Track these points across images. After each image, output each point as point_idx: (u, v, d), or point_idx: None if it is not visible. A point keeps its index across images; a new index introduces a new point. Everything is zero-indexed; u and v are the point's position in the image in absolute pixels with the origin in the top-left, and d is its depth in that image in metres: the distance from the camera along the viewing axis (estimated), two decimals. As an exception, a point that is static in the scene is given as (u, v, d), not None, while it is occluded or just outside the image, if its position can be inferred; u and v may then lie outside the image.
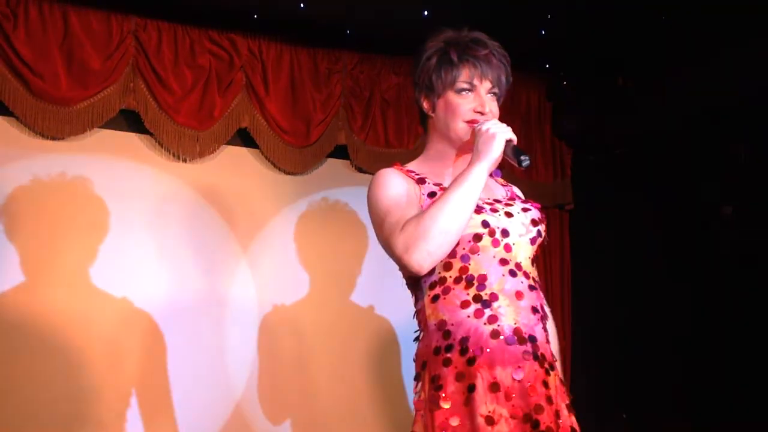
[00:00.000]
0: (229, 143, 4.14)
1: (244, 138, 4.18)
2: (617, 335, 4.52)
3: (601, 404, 4.55)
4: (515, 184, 4.54)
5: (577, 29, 4.13)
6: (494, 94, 2.08)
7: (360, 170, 4.38)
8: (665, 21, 3.92)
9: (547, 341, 1.99)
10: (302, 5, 3.87)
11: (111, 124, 3.89)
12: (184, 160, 4.01)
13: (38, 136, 3.74)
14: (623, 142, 4.61)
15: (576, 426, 1.96)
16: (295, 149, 4.21)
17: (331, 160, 4.39)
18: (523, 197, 2.18)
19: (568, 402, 1.97)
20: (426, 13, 3.94)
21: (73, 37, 3.75)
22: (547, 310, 2.08)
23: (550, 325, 2.10)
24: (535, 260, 2.05)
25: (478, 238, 1.95)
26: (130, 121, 3.95)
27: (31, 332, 3.62)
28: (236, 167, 4.19)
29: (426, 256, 1.90)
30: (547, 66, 4.72)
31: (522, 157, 1.94)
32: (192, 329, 3.98)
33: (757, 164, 3.94)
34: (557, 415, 1.91)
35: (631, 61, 4.41)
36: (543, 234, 2.06)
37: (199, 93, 4.01)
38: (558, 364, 2.03)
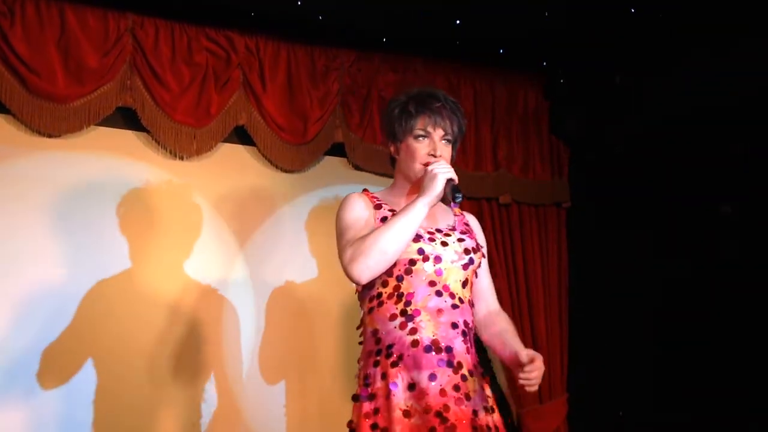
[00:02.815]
0: (226, 141, 4.13)
1: (241, 135, 4.18)
2: (614, 333, 4.52)
3: (598, 401, 4.56)
4: (514, 184, 4.63)
5: (575, 27, 4.13)
6: (447, 140, 2.48)
7: (357, 168, 4.38)
8: (663, 19, 3.92)
9: (467, 352, 2.38)
10: (299, 2, 3.86)
11: (108, 122, 3.87)
12: (181, 158, 4.00)
13: (35, 134, 3.72)
14: (621, 140, 4.60)
15: (495, 424, 2.37)
16: (292, 147, 4.21)
17: (328, 158, 4.39)
18: (472, 226, 2.61)
19: (485, 404, 2.38)
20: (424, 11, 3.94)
21: (69, 34, 3.73)
22: (497, 306, 2.62)
23: (502, 318, 2.57)
24: (467, 283, 2.44)
25: (412, 262, 2.37)
26: (127, 119, 3.93)
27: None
28: (233, 165, 4.18)
29: (365, 268, 2.30)
30: (545, 64, 4.72)
31: (456, 195, 2.32)
32: (189, 326, 3.98)
33: (757, 163, 3.93)
34: (475, 413, 2.32)
35: (629, 59, 4.41)
36: (476, 261, 2.46)
37: (196, 90, 4.00)
38: (519, 343, 2.45)
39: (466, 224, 2.60)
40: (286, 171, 4.25)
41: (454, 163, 4.33)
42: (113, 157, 3.93)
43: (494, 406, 2.43)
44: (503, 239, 4.65)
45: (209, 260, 4.07)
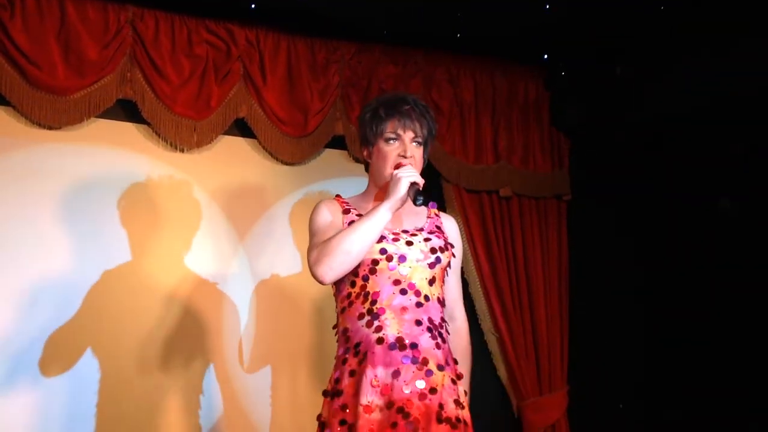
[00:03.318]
0: (226, 133, 4.12)
1: (242, 128, 4.17)
2: (615, 326, 4.52)
3: (598, 393, 4.56)
4: (514, 176, 4.62)
5: (576, 19, 4.12)
6: (418, 142, 2.54)
7: (357, 161, 4.37)
8: (665, 10, 3.91)
9: (437, 347, 2.43)
10: (299, -6, 3.86)
11: (108, 114, 3.87)
12: (182, 150, 4.00)
13: (35, 126, 3.72)
14: (622, 132, 4.60)
15: (463, 417, 2.41)
16: (293, 139, 4.20)
17: (328, 151, 4.39)
18: (446, 229, 2.65)
19: (456, 398, 2.42)
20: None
21: (69, 26, 3.72)
22: (457, 317, 2.68)
23: (460, 343, 2.65)
24: (435, 281, 2.50)
25: (375, 262, 2.44)
26: (128, 111, 3.93)
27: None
28: (233, 157, 4.18)
29: (328, 270, 2.37)
30: (546, 56, 4.71)
31: (417, 197, 2.39)
32: (188, 317, 3.98)
33: (756, 156, 3.93)
34: (441, 406, 2.36)
35: (631, 51, 4.40)
36: (443, 260, 2.52)
37: (197, 83, 4.00)
38: (464, 363, 2.62)
39: (438, 227, 2.64)
40: (286, 164, 4.24)
41: (453, 157, 4.38)
42: (114, 150, 3.93)
43: (464, 403, 2.47)
44: (503, 232, 4.65)
45: (209, 252, 4.07)
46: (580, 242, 4.81)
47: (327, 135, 4.30)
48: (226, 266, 4.11)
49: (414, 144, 2.53)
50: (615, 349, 4.50)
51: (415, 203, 2.41)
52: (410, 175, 2.42)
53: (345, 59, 4.36)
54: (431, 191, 2.97)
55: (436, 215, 2.69)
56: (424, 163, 2.59)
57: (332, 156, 4.41)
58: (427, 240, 2.53)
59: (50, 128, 3.74)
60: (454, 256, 2.62)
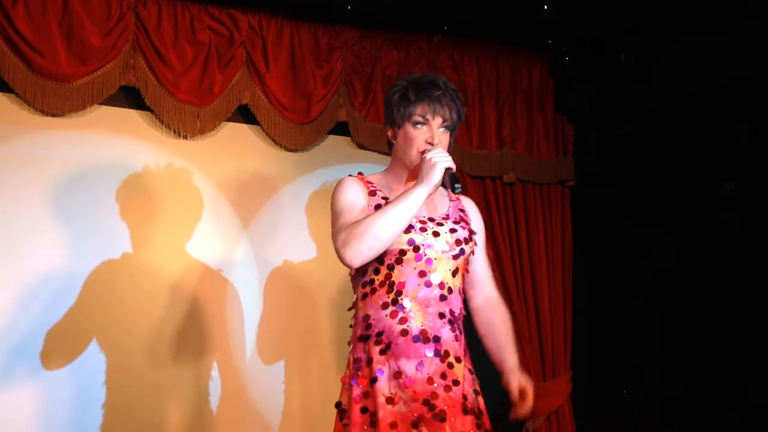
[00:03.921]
0: (229, 120, 4.12)
1: (245, 114, 4.17)
2: (618, 312, 4.53)
3: (602, 380, 4.57)
4: (518, 162, 4.61)
5: (580, 3, 4.10)
6: (446, 127, 2.47)
7: (361, 147, 4.37)
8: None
9: (455, 339, 2.41)
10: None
11: (111, 101, 3.87)
12: (185, 137, 4.00)
13: (38, 113, 3.72)
14: (626, 118, 4.59)
15: (482, 407, 2.44)
16: (296, 126, 4.20)
17: (332, 137, 4.38)
18: (469, 212, 2.62)
19: (476, 388, 2.46)
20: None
21: (72, 13, 3.72)
22: (492, 292, 2.64)
23: (497, 311, 2.62)
24: (458, 272, 2.47)
25: (403, 252, 2.39)
26: (131, 98, 3.93)
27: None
28: (237, 144, 4.18)
29: (357, 254, 2.31)
30: (550, 42, 4.69)
31: (456, 185, 2.32)
32: (193, 306, 3.99)
33: (760, 141, 3.92)
34: (465, 397, 2.37)
35: (634, 36, 4.38)
36: (467, 251, 2.48)
37: (200, 69, 3.99)
38: (509, 345, 2.58)
39: (462, 210, 2.61)
40: (289, 150, 4.24)
41: (457, 143, 4.35)
42: (117, 137, 3.93)
43: (479, 390, 2.49)
44: (507, 218, 4.64)
45: (212, 240, 4.08)
46: (584, 228, 4.80)
47: (330, 121, 4.29)
48: (230, 253, 4.12)
49: (441, 130, 2.46)
50: (618, 335, 4.50)
51: (453, 191, 2.34)
52: (445, 159, 2.35)
53: (348, 45, 4.34)
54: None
55: (458, 198, 2.64)
56: (450, 148, 2.50)
57: (335, 142, 4.41)
58: (452, 231, 2.47)
59: (53, 115, 3.75)
60: (476, 244, 2.56)
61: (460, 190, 2.34)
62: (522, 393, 2.45)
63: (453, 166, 2.37)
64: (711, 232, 4.13)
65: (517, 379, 2.48)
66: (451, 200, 2.61)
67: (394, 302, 2.40)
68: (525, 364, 4.49)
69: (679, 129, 4.32)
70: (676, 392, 4.21)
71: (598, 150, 4.75)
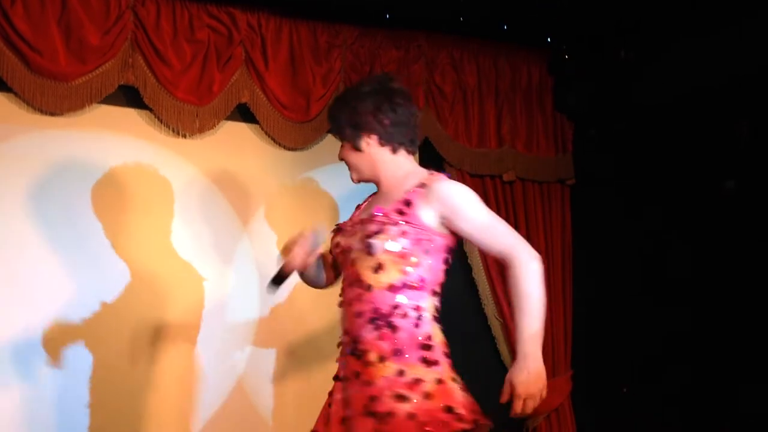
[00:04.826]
0: (228, 119, 4.11)
1: (244, 113, 4.16)
2: (619, 310, 4.52)
3: (602, 379, 4.57)
4: (517, 160, 4.60)
5: (579, 2, 4.09)
6: (339, 138, 2.59)
7: (361, 146, 4.35)
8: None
9: (381, 338, 2.30)
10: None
11: (110, 100, 3.86)
12: (184, 136, 3.99)
13: (37, 112, 3.72)
14: (626, 115, 4.58)
15: (398, 411, 2.23)
16: (295, 124, 4.19)
17: (331, 136, 4.35)
18: (416, 203, 2.37)
19: (401, 392, 2.24)
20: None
21: (70, 11, 3.71)
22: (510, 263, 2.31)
23: (513, 290, 2.30)
24: (381, 267, 2.34)
25: (335, 257, 2.55)
26: (129, 97, 3.93)
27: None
28: (236, 143, 4.17)
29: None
30: (549, 39, 4.69)
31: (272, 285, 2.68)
32: (190, 305, 3.99)
33: (760, 138, 3.91)
34: (372, 399, 2.27)
35: (634, 34, 4.37)
36: (377, 246, 2.34)
37: (199, 68, 3.99)
38: (518, 331, 2.27)
39: (406, 203, 2.39)
40: (289, 149, 4.23)
41: (456, 141, 4.32)
42: (116, 136, 3.93)
43: (406, 395, 2.25)
44: (507, 217, 4.61)
45: (211, 238, 4.07)
46: (584, 226, 4.80)
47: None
48: (228, 252, 4.11)
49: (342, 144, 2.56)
50: (618, 333, 4.50)
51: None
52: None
53: (347, 43, 4.34)
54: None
55: (419, 187, 2.40)
56: (362, 144, 2.48)
57: (335, 141, 4.33)
58: (363, 226, 2.41)
59: (52, 114, 3.75)
60: (403, 235, 2.34)
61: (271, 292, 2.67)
62: (505, 390, 2.23)
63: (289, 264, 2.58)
64: (711, 229, 4.13)
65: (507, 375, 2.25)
66: (407, 192, 2.41)
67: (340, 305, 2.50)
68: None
69: (679, 127, 4.31)
70: (676, 391, 4.21)
71: (598, 148, 4.74)
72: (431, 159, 4.30)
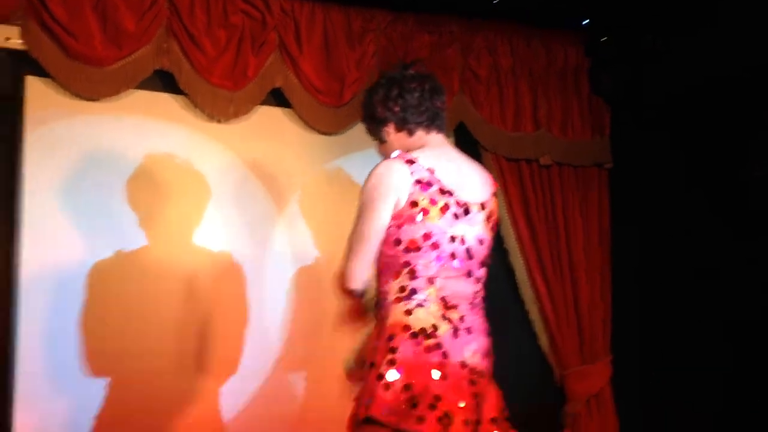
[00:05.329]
0: (263, 103, 4.10)
1: (278, 98, 4.15)
2: (659, 294, 4.46)
3: (643, 364, 4.50)
4: (554, 144, 4.55)
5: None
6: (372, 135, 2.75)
7: (396, 130, 4.33)
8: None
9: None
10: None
11: (145, 85, 3.88)
12: (219, 121, 4.00)
13: (74, 97, 3.74)
14: (663, 98, 4.51)
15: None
16: (330, 109, 4.18)
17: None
18: None
19: (373, 360, 2.45)
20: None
21: (106, -4, 3.73)
22: None
23: None
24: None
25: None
26: (165, 82, 3.93)
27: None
28: (270, 127, 4.17)
29: None
30: (584, 23, 4.63)
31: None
32: (229, 289, 3.99)
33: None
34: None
35: (672, 15, 4.31)
36: None
37: (233, 53, 3.99)
38: None
39: None
40: (323, 133, 4.22)
41: (491, 124, 4.28)
42: (152, 121, 3.94)
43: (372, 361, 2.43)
44: (544, 201, 4.59)
45: (246, 224, 4.07)
46: (622, 210, 4.73)
47: (364, 104, 4.26)
48: (264, 236, 4.10)
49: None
50: (660, 317, 4.44)
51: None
52: None
53: (381, 28, 4.32)
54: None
55: None
56: (384, 135, 2.67)
57: (367, 127, 4.37)
58: None
59: (89, 99, 3.76)
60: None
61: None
62: None
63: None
64: (751, 211, 4.06)
65: None
66: None
67: None
68: (563, 347, 4.47)
69: (717, 108, 4.24)
70: (719, 376, 4.14)
71: (635, 131, 4.68)
72: (466, 142, 4.25)
